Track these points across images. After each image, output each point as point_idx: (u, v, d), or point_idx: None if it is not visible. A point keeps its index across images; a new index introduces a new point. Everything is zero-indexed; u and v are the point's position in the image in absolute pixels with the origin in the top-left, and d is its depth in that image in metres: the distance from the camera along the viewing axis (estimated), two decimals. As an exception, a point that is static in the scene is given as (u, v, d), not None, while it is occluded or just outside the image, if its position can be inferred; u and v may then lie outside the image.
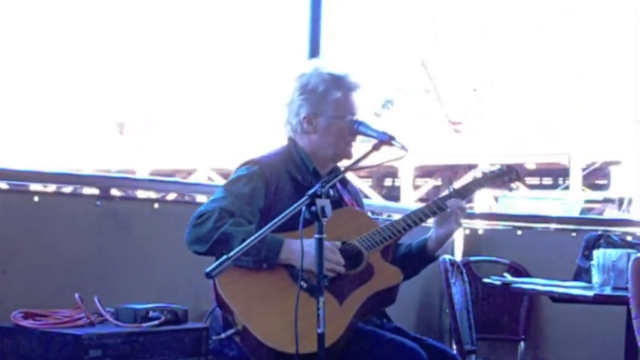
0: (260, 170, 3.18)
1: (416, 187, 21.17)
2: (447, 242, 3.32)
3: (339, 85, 3.26)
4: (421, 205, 3.38)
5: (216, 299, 3.03)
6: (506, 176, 3.49)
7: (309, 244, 2.78)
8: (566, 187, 20.20)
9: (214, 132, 20.98)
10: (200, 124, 21.37)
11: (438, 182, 21.73)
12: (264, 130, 18.94)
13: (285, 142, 3.35)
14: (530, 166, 20.12)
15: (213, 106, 21.80)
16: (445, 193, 3.37)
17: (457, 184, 3.42)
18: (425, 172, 21.30)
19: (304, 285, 2.94)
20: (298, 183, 3.21)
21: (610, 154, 19.39)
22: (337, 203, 3.27)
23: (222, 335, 3.00)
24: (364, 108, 3.30)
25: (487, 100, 21.54)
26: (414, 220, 3.25)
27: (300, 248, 2.76)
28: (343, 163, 3.32)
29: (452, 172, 20.89)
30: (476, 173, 3.53)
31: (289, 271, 3.04)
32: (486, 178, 3.47)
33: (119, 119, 22.62)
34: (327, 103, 3.24)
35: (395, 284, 3.17)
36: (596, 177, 20.74)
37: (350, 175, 3.42)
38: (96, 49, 22.73)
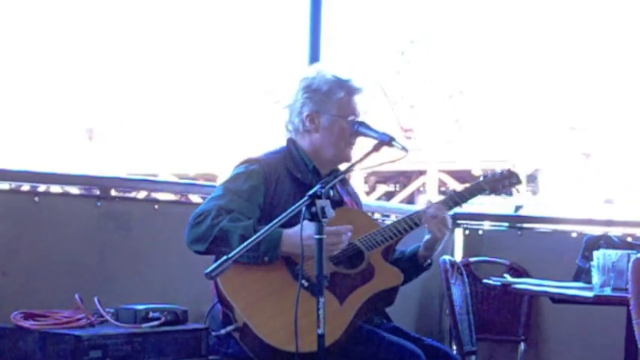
0: (259, 168, 3.19)
1: (368, 193, 21.05)
2: (436, 250, 3.31)
3: (343, 86, 3.27)
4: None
5: (217, 295, 3.04)
6: (506, 180, 3.49)
7: (310, 226, 2.76)
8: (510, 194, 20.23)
9: (179, 137, 20.94)
10: (168, 130, 21.32)
11: (390, 188, 21.69)
12: (228, 136, 19.08)
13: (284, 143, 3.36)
14: (477, 172, 20.14)
15: (179, 112, 21.73)
16: (445, 196, 3.37)
17: (459, 188, 3.42)
18: (380, 178, 21.25)
19: (305, 284, 2.94)
20: (298, 181, 3.21)
21: (546, 160, 19.55)
22: (338, 203, 3.27)
23: (222, 331, 3.01)
24: (367, 111, 3.30)
25: (461, 107, 21.59)
26: (415, 221, 3.25)
27: (300, 239, 2.77)
28: (343, 166, 3.32)
29: (405, 177, 20.83)
30: (478, 177, 3.52)
31: (290, 269, 3.04)
32: (488, 182, 3.47)
33: (88, 125, 22.56)
34: (331, 102, 3.25)
35: (395, 285, 3.17)
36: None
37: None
38: (65, 54, 22.59)
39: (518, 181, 3.52)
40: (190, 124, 21.01)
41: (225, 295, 2.99)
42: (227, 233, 2.95)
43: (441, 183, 19.01)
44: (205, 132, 20.48)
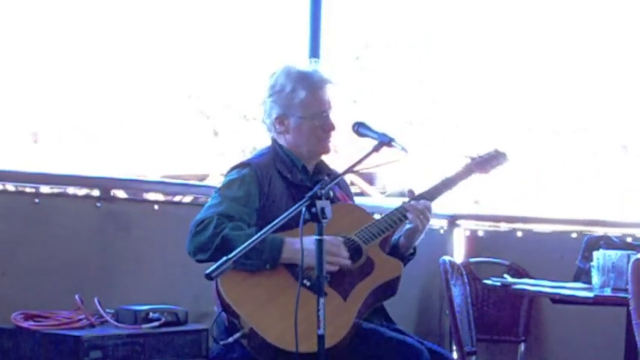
0: (251, 172, 3.19)
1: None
2: (417, 239, 3.29)
3: (306, 83, 3.25)
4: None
5: (221, 304, 3.02)
6: (494, 160, 3.47)
7: (310, 241, 2.78)
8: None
9: (128, 139, 20.87)
10: (111, 133, 21.22)
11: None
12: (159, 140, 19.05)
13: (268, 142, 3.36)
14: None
15: (122, 116, 21.61)
16: (433, 184, 3.33)
17: (448, 172, 3.40)
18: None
19: (307, 283, 2.94)
20: (289, 181, 3.22)
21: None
22: (330, 200, 3.27)
23: (230, 339, 2.99)
24: (338, 102, 3.29)
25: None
26: (408, 209, 3.25)
27: (301, 246, 2.76)
28: (340, 164, 3.32)
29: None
30: (464, 160, 3.47)
31: (291, 271, 3.04)
32: (476, 164, 3.44)
33: (33, 128, 22.49)
34: (295, 105, 3.24)
35: (396, 276, 3.17)
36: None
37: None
38: (9, 58, 22.38)
39: (506, 159, 3.50)
40: (136, 126, 20.93)
41: (229, 303, 2.98)
42: (230, 242, 2.94)
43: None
44: (150, 133, 20.45)
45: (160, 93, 21.26)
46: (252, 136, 21.11)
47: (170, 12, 21.44)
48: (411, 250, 3.34)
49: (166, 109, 21.23)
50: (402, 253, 3.31)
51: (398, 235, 3.33)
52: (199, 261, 3.04)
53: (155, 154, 19.79)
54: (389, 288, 3.17)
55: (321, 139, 3.27)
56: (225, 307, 3.00)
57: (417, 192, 3.32)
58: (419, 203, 3.26)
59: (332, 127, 3.26)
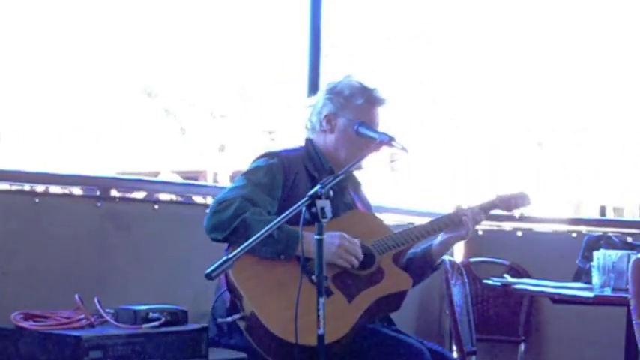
0: (279, 162, 3.21)
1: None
2: (451, 247, 3.36)
3: (366, 94, 3.30)
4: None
5: (226, 283, 3.04)
6: (519, 201, 3.54)
7: (330, 235, 2.77)
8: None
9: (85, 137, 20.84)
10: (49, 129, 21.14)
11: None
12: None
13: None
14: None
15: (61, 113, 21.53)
16: (460, 208, 3.38)
17: (476, 202, 3.46)
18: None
19: (315, 279, 2.94)
20: (315, 180, 3.22)
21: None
22: (350, 206, 3.29)
23: (229, 319, 3.01)
24: (385, 125, 3.32)
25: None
26: (428, 230, 3.30)
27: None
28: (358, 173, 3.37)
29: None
30: (491, 195, 3.57)
31: (301, 264, 3.05)
32: (501, 200, 3.51)
33: None
34: (350, 106, 3.27)
35: (404, 290, 3.18)
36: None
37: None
38: None
39: (529, 203, 3.57)
40: (97, 125, 20.90)
41: (235, 283, 2.99)
42: (249, 227, 2.95)
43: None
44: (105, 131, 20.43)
45: (122, 91, 21.22)
46: (219, 134, 21.17)
47: (137, 9, 21.34)
48: (440, 260, 3.38)
49: (129, 108, 21.22)
50: (433, 261, 3.34)
51: (427, 245, 3.37)
52: (214, 239, 3.05)
53: (115, 151, 19.75)
54: (394, 301, 3.19)
55: (362, 150, 3.22)
56: (230, 286, 3.01)
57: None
58: (473, 211, 3.34)
59: (376, 147, 3.22)
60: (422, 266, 3.35)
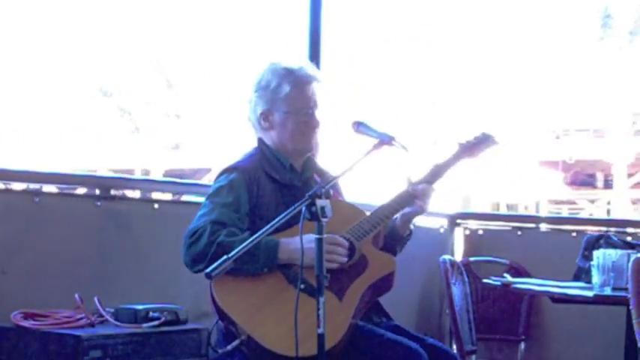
0: (239, 176, 3.17)
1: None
2: (413, 219, 3.30)
3: (291, 78, 3.24)
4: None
5: (217, 312, 3.01)
6: (482, 144, 3.42)
7: (309, 240, 2.77)
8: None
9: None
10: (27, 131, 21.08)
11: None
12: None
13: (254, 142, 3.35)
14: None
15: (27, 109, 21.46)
16: (410, 182, 3.31)
17: (439, 159, 3.38)
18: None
19: (302, 286, 2.93)
20: (277, 182, 3.21)
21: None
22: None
23: (229, 347, 2.97)
24: (324, 100, 3.28)
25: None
26: (394, 207, 3.24)
27: (299, 246, 2.74)
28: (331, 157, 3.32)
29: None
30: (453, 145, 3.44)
31: (285, 274, 3.03)
32: (465, 149, 3.40)
33: None
34: (280, 99, 3.24)
35: (390, 272, 3.16)
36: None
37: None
38: None
39: (495, 142, 3.45)
40: (51, 123, 20.83)
41: (225, 310, 2.97)
42: (227, 248, 2.89)
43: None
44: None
45: (76, 89, 21.16)
46: (175, 133, 21.12)
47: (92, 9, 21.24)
48: (408, 232, 3.34)
49: (83, 106, 21.16)
50: (400, 235, 3.32)
51: (392, 221, 3.32)
52: (198, 271, 3.00)
53: (70, 150, 19.70)
54: (384, 284, 3.16)
55: (306, 135, 3.24)
56: (221, 315, 2.99)
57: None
58: (423, 186, 3.26)
59: (316, 124, 3.25)
60: (391, 242, 3.31)
